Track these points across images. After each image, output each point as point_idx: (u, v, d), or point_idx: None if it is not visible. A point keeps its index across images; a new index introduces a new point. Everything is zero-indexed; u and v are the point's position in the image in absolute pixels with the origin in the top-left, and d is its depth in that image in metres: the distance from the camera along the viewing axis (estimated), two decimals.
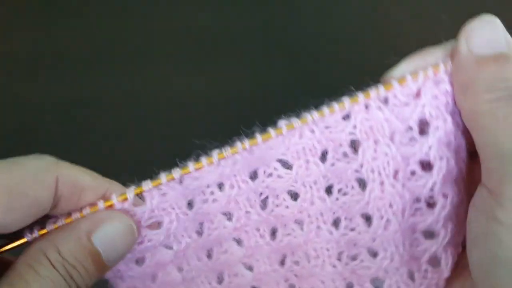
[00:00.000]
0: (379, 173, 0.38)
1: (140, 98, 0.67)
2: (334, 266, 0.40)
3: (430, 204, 0.39)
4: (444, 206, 0.38)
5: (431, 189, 0.38)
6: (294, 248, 0.41)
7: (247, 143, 0.36)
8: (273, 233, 0.40)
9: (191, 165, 0.36)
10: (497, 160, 0.33)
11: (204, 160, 0.36)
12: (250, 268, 0.41)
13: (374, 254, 0.40)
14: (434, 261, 0.40)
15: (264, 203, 0.39)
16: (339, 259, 0.40)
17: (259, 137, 0.37)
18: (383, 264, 0.40)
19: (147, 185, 0.35)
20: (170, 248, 0.39)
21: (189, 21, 0.69)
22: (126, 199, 0.35)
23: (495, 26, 0.34)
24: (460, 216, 0.39)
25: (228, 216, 0.39)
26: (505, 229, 0.33)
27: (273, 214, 0.40)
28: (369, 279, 0.40)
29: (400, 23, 0.70)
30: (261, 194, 0.39)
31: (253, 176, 0.39)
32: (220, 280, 0.41)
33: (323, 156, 0.39)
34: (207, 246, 0.40)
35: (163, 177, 0.36)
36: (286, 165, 0.39)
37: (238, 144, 0.36)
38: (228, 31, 0.68)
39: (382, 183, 0.38)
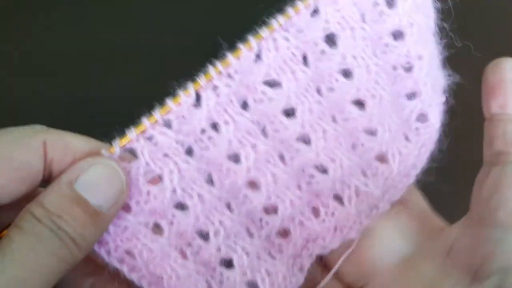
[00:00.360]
0: (362, 58, 0.37)
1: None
2: (349, 159, 0.39)
3: (407, 69, 0.39)
4: (421, 67, 0.39)
5: (406, 55, 0.38)
6: (304, 166, 0.39)
7: (220, 66, 0.35)
8: (282, 159, 0.38)
9: (169, 102, 0.35)
10: None
11: (181, 93, 0.35)
12: (275, 211, 0.39)
13: (373, 133, 0.39)
14: (423, 118, 0.40)
15: (264, 132, 0.38)
16: (351, 151, 0.39)
17: (230, 57, 0.35)
18: (384, 138, 0.39)
19: (131, 133, 0.34)
20: (185, 208, 0.36)
21: None
22: (114, 152, 0.34)
23: None
24: (435, 68, 0.40)
25: (235, 158, 0.37)
26: None
27: (277, 140, 0.38)
28: (375, 157, 0.40)
29: None
30: (258, 123, 0.37)
31: (244, 106, 0.37)
32: (250, 234, 0.39)
33: (304, 60, 0.37)
34: (224, 199, 0.38)
35: (145, 121, 0.34)
36: (274, 84, 0.37)
37: (211, 69, 0.35)
38: None
39: (367, 66, 0.38)
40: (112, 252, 0.35)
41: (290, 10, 0.36)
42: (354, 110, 0.39)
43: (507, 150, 0.38)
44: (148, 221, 0.35)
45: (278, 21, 0.36)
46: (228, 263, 0.38)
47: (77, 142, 0.34)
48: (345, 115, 0.39)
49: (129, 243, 0.35)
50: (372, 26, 0.38)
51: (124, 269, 0.35)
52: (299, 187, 0.39)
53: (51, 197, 0.31)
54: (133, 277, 0.35)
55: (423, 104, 0.40)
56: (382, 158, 0.40)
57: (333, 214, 0.40)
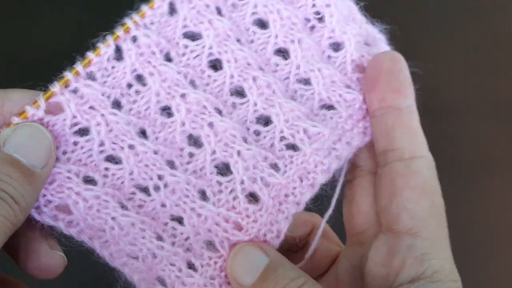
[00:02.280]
0: (272, 5, 0.39)
1: None
2: (292, 109, 0.39)
3: (319, 19, 0.41)
4: (331, 15, 0.40)
5: (313, 5, 0.40)
6: (245, 121, 0.39)
7: (135, 16, 0.37)
8: (219, 112, 0.38)
9: (89, 53, 0.35)
10: None
11: (101, 45, 0.36)
12: (227, 169, 0.38)
13: (307, 82, 0.40)
14: (360, 68, 0.41)
15: (193, 84, 0.38)
16: (289, 101, 0.39)
17: (144, 7, 0.37)
18: (319, 84, 0.40)
19: (55, 86, 0.35)
20: (119, 161, 0.36)
21: None
22: (38, 106, 0.34)
23: None
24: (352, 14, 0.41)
25: (167, 110, 0.38)
26: None
27: (209, 92, 0.38)
28: (320, 106, 0.40)
29: None
30: (185, 76, 0.38)
31: (168, 59, 0.38)
32: (204, 196, 0.37)
33: (219, 12, 0.39)
34: (164, 154, 0.37)
35: (68, 74, 0.35)
36: (193, 36, 0.38)
37: (128, 20, 0.36)
38: None
39: (279, 11, 0.39)
40: (43, 208, 0.34)
41: None
42: (279, 59, 0.40)
43: (391, 147, 0.37)
44: (78, 170, 0.35)
45: None
46: (179, 220, 0.37)
47: (13, 94, 0.35)
48: (271, 66, 0.40)
49: (60, 195, 0.34)
50: None
51: (60, 225, 0.34)
52: (246, 141, 0.38)
53: None
54: (72, 232, 0.35)
55: (352, 53, 0.41)
56: (327, 105, 0.41)
57: (291, 162, 0.39)
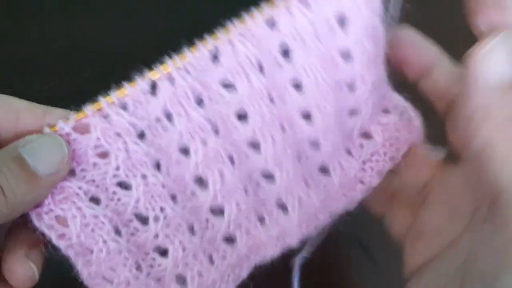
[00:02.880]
0: (312, 72, 0.40)
1: None
2: (295, 169, 0.41)
3: (350, 87, 0.42)
4: (363, 88, 0.41)
5: (352, 75, 0.41)
6: (253, 172, 0.41)
7: (178, 60, 0.39)
8: (232, 161, 0.40)
9: (126, 85, 0.38)
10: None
11: (138, 79, 0.38)
12: (220, 213, 0.40)
13: (317, 146, 0.42)
14: (366, 135, 0.44)
15: (216, 131, 0.40)
16: (298, 162, 0.41)
17: (188, 53, 0.39)
18: (327, 151, 0.41)
19: (88, 109, 0.37)
20: (128, 188, 0.38)
21: None
22: (69, 122, 0.37)
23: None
24: (380, 90, 0.43)
25: (185, 151, 0.40)
26: None
27: (228, 141, 0.40)
28: (318, 168, 0.43)
29: None
30: (211, 121, 0.40)
31: (199, 103, 0.40)
32: (192, 233, 0.40)
33: (260, 68, 0.40)
34: (170, 189, 0.39)
35: (102, 100, 0.38)
36: (229, 87, 0.40)
37: (169, 62, 0.38)
38: None
39: (316, 79, 0.40)
40: (43, 214, 0.36)
41: (246, 17, 0.39)
42: (302, 122, 0.41)
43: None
44: (88, 189, 0.37)
45: (235, 26, 0.39)
46: (163, 252, 0.39)
47: (19, 101, 0.37)
48: (293, 126, 0.41)
49: (62, 206, 0.36)
50: (323, 42, 0.40)
51: (52, 236, 0.36)
52: (246, 192, 0.41)
53: None
54: (61, 245, 0.37)
55: (363, 121, 0.43)
56: (324, 170, 0.43)
57: (277, 222, 0.42)
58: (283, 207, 0.42)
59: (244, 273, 0.42)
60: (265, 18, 0.39)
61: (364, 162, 0.44)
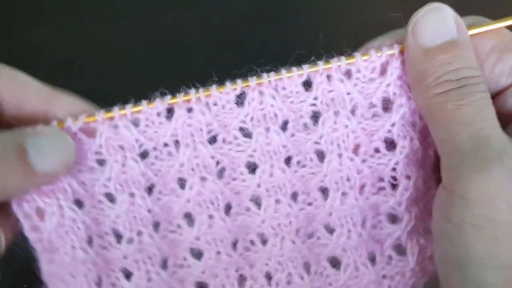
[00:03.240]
0: (338, 145, 0.38)
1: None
2: (294, 243, 0.39)
3: (394, 186, 0.39)
4: (406, 188, 0.38)
5: (394, 169, 0.38)
6: (248, 229, 0.39)
7: (201, 93, 0.38)
8: (228, 209, 0.39)
9: (144, 103, 0.37)
10: (450, 156, 0.33)
11: (157, 100, 0.37)
12: (198, 256, 0.39)
13: (331, 231, 0.39)
14: (400, 249, 0.39)
15: (221, 174, 0.39)
16: (297, 236, 0.39)
17: (214, 90, 0.38)
18: (340, 241, 0.39)
19: (99, 115, 0.37)
20: (114, 201, 0.38)
21: None
22: (77, 123, 0.37)
23: (441, 13, 0.34)
24: (429, 202, 0.38)
25: (182, 182, 0.39)
26: (455, 229, 0.32)
27: (229, 187, 0.39)
28: (326, 258, 0.40)
29: None
30: (218, 163, 0.39)
31: (212, 140, 0.39)
32: (163, 266, 0.39)
33: (284, 126, 0.39)
34: (155, 215, 0.39)
35: (116, 110, 0.37)
36: (246, 134, 0.39)
37: (192, 92, 0.37)
38: None
39: (340, 155, 0.38)
40: (24, 202, 0.36)
41: (283, 72, 0.38)
42: (319, 196, 0.39)
43: None
44: (77, 190, 0.37)
45: (268, 76, 0.38)
46: (127, 275, 0.39)
47: (26, 77, 0.36)
48: (309, 198, 0.39)
49: (45, 199, 0.36)
50: (362, 122, 0.38)
51: (26, 225, 0.36)
52: (234, 248, 0.39)
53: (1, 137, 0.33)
54: (32, 236, 0.37)
55: (402, 232, 0.39)
56: (334, 262, 0.40)
57: None
58: (269, 277, 0.40)
59: None
60: (300, 76, 0.38)
61: (384, 277, 0.40)
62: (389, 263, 0.39)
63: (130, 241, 0.38)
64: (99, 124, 0.37)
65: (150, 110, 0.37)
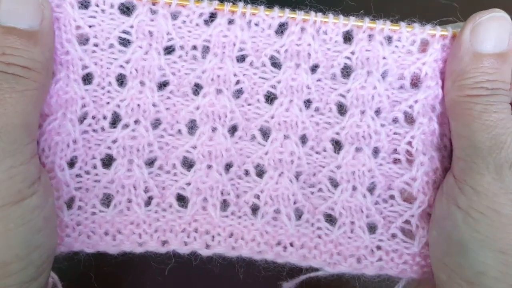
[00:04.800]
0: (363, 103, 0.39)
1: None
2: (291, 182, 0.38)
3: (410, 162, 0.39)
4: (422, 163, 0.38)
5: (409, 143, 0.39)
6: (247, 158, 0.39)
7: (248, 9, 0.38)
8: (233, 130, 0.39)
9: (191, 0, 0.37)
10: (466, 151, 0.35)
11: (205, 1, 0.37)
12: (188, 168, 0.38)
13: (335, 185, 0.39)
14: (406, 232, 0.39)
15: (237, 94, 0.39)
16: (296, 178, 0.39)
17: (261, 10, 0.38)
18: (342, 196, 0.38)
19: None
20: (123, 84, 0.38)
21: None
22: None
23: (503, 24, 0.36)
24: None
25: (196, 89, 0.38)
26: (462, 214, 0.35)
27: (242, 110, 0.39)
28: (323, 212, 0.39)
29: None
30: (238, 82, 0.39)
31: (240, 59, 0.39)
32: (149, 164, 0.38)
33: (314, 68, 0.39)
34: (159, 112, 0.38)
35: None
36: (274, 63, 0.39)
37: (240, 5, 0.37)
38: None
39: (363, 112, 0.39)
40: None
41: (330, 16, 0.38)
42: (329, 148, 0.39)
43: None
44: (87, 64, 0.37)
45: (315, 16, 0.38)
46: (108, 161, 0.38)
47: None
48: (319, 147, 0.39)
49: (57, 65, 0.36)
50: (388, 89, 0.39)
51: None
52: (227, 170, 0.39)
53: None
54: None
55: (413, 214, 0.38)
56: (330, 216, 0.39)
57: (239, 217, 0.39)
58: (254, 209, 0.39)
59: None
60: (345, 28, 0.39)
61: (378, 248, 0.38)
62: (390, 239, 0.38)
63: (125, 126, 0.37)
64: (140, 3, 0.36)
65: (195, 7, 0.37)
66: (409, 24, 0.39)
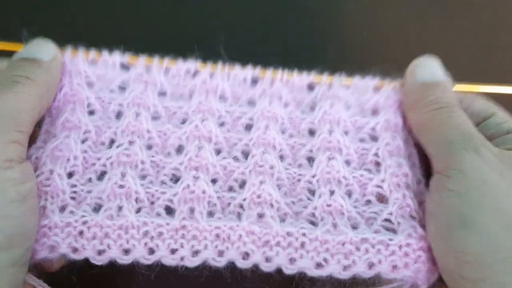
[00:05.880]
0: (329, 125, 0.44)
1: None
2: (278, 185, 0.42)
3: (378, 165, 0.44)
4: (389, 166, 0.43)
5: (376, 154, 0.43)
6: (231, 176, 0.42)
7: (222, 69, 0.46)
8: (218, 152, 0.43)
9: (179, 61, 0.46)
10: (443, 149, 0.40)
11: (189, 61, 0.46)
12: (176, 181, 0.41)
13: (312, 193, 0.42)
14: (389, 229, 0.40)
15: (221, 123, 0.45)
16: (281, 189, 0.42)
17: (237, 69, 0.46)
18: (321, 200, 0.40)
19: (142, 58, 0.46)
20: (120, 115, 0.44)
21: None
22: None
23: (434, 61, 0.46)
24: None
25: (184, 121, 0.45)
26: (455, 194, 0.38)
27: (228, 139, 0.44)
28: (305, 218, 0.41)
29: None
30: (221, 116, 0.45)
31: (223, 99, 0.46)
32: (141, 177, 0.41)
33: (286, 106, 0.46)
34: (151, 139, 0.43)
35: (155, 59, 0.46)
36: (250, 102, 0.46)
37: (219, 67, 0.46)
38: None
39: (330, 132, 0.44)
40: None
41: (294, 74, 0.47)
42: (306, 164, 0.43)
43: None
44: (92, 102, 0.44)
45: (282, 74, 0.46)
46: (100, 175, 0.41)
47: None
48: (297, 165, 0.43)
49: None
50: (354, 123, 0.45)
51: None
52: (215, 183, 0.41)
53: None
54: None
55: (392, 212, 0.40)
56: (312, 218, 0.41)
57: (224, 224, 0.39)
58: (239, 215, 0.39)
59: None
60: (307, 81, 0.46)
61: (364, 240, 0.38)
62: (373, 234, 0.39)
63: (120, 145, 0.42)
64: (140, 62, 0.45)
65: (180, 66, 0.46)
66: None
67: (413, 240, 0.38)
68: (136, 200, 0.39)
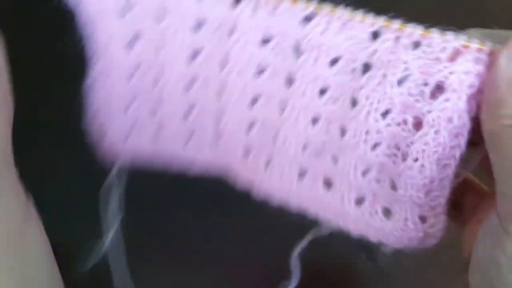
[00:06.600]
0: (371, 103, 0.37)
1: None
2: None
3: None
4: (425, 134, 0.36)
5: (408, 146, 0.37)
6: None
7: None
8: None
9: None
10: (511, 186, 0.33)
11: None
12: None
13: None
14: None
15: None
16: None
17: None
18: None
19: None
20: None
21: None
22: None
23: None
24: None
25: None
26: (508, 260, 0.32)
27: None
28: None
29: None
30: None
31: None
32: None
33: (333, 62, 0.38)
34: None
35: None
36: (297, 52, 0.39)
37: None
38: None
39: (368, 113, 0.37)
40: None
41: (358, 14, 0.38)
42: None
43: None
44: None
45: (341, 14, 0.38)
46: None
47: None
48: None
49: None
50: (403, 94, 0.37)
51: None
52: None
53: None
54: None
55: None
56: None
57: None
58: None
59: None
60: (372, 25, 0.38)
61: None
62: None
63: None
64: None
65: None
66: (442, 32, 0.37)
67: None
68: None
